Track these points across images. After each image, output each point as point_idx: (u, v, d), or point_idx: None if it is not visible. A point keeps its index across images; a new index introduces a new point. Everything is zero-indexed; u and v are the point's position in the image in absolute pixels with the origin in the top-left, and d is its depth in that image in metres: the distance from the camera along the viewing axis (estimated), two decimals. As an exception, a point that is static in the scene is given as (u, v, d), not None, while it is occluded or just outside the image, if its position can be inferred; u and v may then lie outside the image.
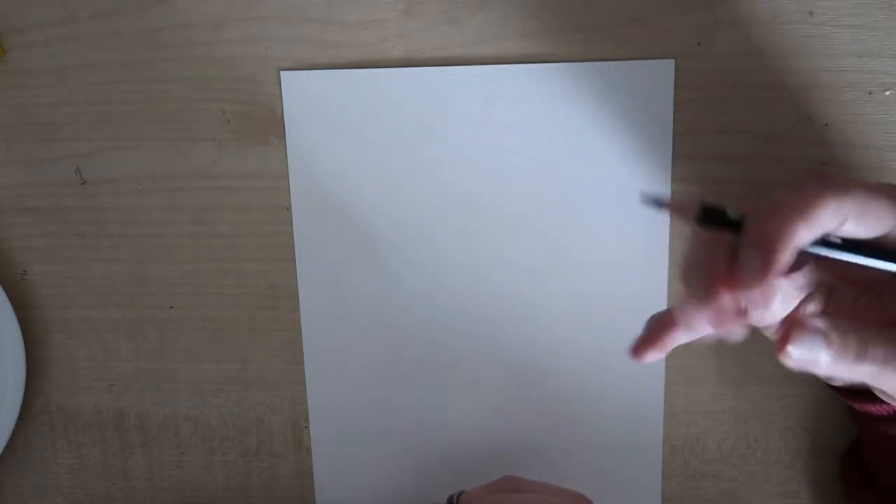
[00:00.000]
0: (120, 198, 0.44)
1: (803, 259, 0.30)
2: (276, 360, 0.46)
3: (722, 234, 0.30)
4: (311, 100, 0.42)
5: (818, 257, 0.31)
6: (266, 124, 0.42)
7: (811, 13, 0.39)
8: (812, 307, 0.33)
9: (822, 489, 0.44)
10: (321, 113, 0.42)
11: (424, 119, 0.41)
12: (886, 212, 0.28)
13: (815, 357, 0.28)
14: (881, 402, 0.35)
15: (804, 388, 0.43)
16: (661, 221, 0.41)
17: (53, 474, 0.49)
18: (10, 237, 0.45)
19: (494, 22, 0.40)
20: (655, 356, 0.32)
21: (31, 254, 0.46)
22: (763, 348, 0.43)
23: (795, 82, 0.40)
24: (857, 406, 0.37)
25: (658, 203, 0.31)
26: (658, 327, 0.32)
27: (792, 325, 0.28)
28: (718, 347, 0.43)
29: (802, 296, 0.32)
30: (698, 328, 0.31)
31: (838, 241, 0.29)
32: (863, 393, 0.36)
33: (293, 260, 0.44)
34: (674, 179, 0.41)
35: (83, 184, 0.44)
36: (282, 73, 0.42)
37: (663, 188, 0.41)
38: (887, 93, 0.39)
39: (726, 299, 0.30)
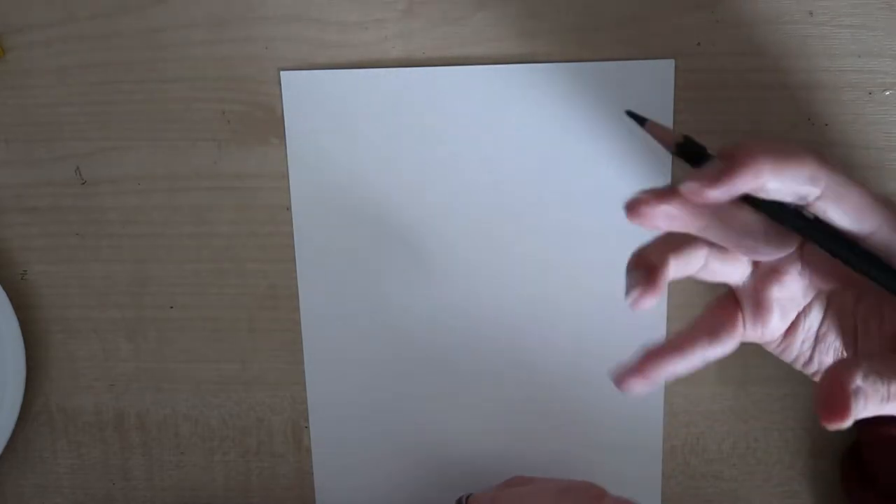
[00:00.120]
0: (120, 198, 0.44)
1: (780, 222, 0.28)
2: (276, 360, 0.46)
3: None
4: (311, 100, 0.42)
5: (807, 259, 0.30)
6: (266, 124, 0.42)
7: (811, 13, 0.39)
8: (814, 319, 0.32)
9: (822, 489, 0.44)
10: (321, 113, 0.42)
11: (424, 119, 0.41)
12: (867, 204, 0.27)
13: (858, 416, 0.26)
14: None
15: (804, 388, 0.43)
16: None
17: (53, 474, 0.49)
18: (10, 237, 0.45)
19: (494, 22, 0.40)
20: (640, 387, 0.31)
21: (31, 254, 0.46)
22: (763, 349, 0.43)
23: (795, 82, 0.40)
24: None
25: (641, 120, 0.30)
26: (647, 357, 0.31)
27: (828, 400, 0.26)
28: (718, 347, 0.43)
29: (800, 308, 0.32)
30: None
31: (811, 216, 0.28)
32: None
33: (293, 260, 0.44)
34: (674, 179, 0.41)
35: (83, 184, 0.44)
36: (282, 73, 0.42)
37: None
38: (887, 93, 0.39)
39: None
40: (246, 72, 0.42)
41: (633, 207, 0.28)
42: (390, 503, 0.46)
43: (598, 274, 0.42)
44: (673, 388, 0.44)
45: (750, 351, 0.43)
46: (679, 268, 0.30)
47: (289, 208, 0.43)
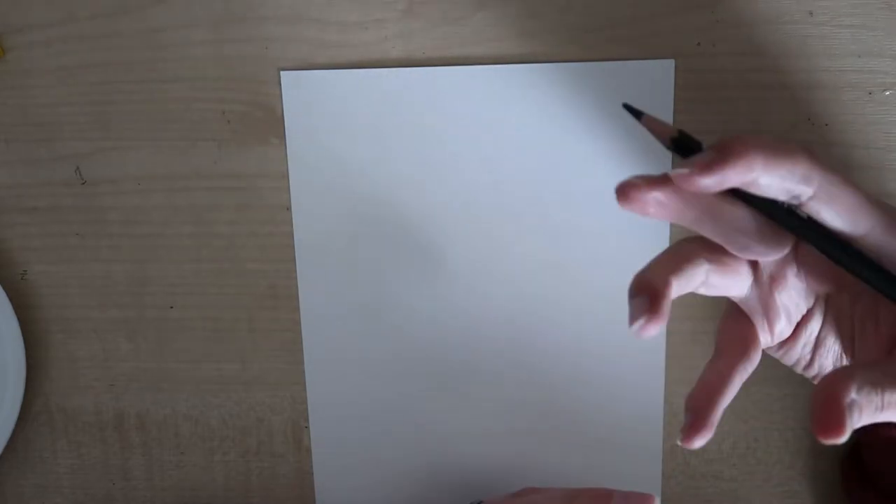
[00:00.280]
0: (120, 198, 0.44)
1: (773, 219, 0.28)
2: (276, 360, 0.46)
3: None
4: (311, 100, 0.42)
5: (805, 261, 0.30)
6: (266, 124, 0.42)
7: (811, 13, 0.39)
8: (815, 322, 0.32)
9: (822, 489, 0.44)
10: (321, 113, 0.42)
11: (424, 119, 0.41)
12: (861, 206, 0.27)
13: (855, 427, 0.26)
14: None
15: (804, 388, 0.43)
16: (662, 222, 0.41)
17: (53, 474, 0.49)
18: (10, 237, 0.45)
19: (494, 22, 0.40)
20: (705, 438, 0.31)
21: (31, 254, 0.46)
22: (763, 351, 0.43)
23: (795, 82, 0.40)
24: None
25: (637, 114, 0.30)
26: (699, 409, 0.31)
27: (823, 416, 0.26)
28: (718, 347, 0.43)
29: (803, 312, 0.32)
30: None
31: (804, 216, 0.28)
32: None
33: (293, 260, 0.44)
34: (674, 179, 0.41)
35: (83, 184, 0.44)
36: (282, 73, 0.42)
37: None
38: (887, 93, 0.39)
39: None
40: (246, 72, 0.42)
41: (624, 192, 0.28)
42: (390, 503, 0.46)
43: (599, 273, 0.42)
44: (673, 388, 0.44)
45: (750, 351, 0.43)
46: (680, 287, 0.29)
47: (289, 208, 0.43)
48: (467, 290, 0.43)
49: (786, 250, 0.30)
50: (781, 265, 0.31)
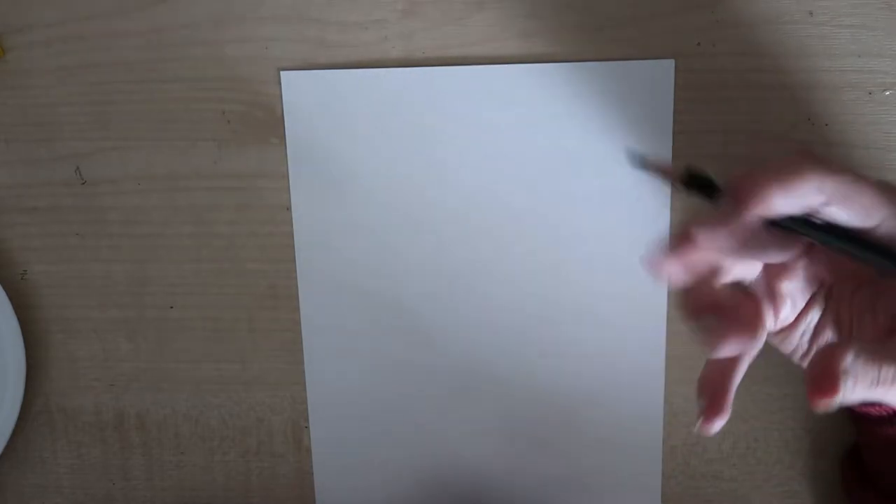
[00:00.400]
0: (120, 198, 0.44)
1: (791, 233, 0.29)
2: (276, 360, 0.46)
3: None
4: (311, 100, 0.42)
5: (812, 250, 0.31)
6: (266, 124, 0.42)
7: (811, 13, 0.39)
8: (816, 311, 0.33)
9: (822, 489, 0.44)
10: (321, 113, 0.42)
11: (424, 119, 0.41)
12: (873, 201, 0.28)
13: (847, 399, 0.27)
14: (879, 403, 0.35)
15: (804, 388, 0.43)
16: (662, 222, 0.41)
17: (53, 474, 0.49)
18: (10, 237, 0.45)
19: (494, 22, 0.40)
20: (721, 421, 0.33)
21: (31, 254, 0.46)
22: (762, 349, 0.43)
23: (795, 82, 0.40)
24: (857, 407, 0.37)
25: (642, 162, 0.31)
26: (717, 390, 0.33)
27: (817, 378, 0.27)
28: (718, 347, 0.43)
29: (807, 298, 0.33)
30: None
31: (820, 222, 0.29)
32: None
33: (293, 260, 0.44)
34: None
35: (83, 184, 0.44)
36: (282, 73, 0.42)
37: (663, 188, 0.41)
38: (887, 93, 0.39)
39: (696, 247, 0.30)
40: (246, 72, 0.42)
41: (655, 266, 0.31)
42: (390, 503, 0.46)
43: (599, 273, 0.42)
44: (673, 388, 0.44)
45: (750, 351, 0.43)
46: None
47: (289, 208, 0.43)
48: (467, 289, 0.43)
49: (797, 250, 0.30)
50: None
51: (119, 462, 0.48)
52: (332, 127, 0.42)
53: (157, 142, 0.43)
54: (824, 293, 0.33)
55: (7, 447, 0.46)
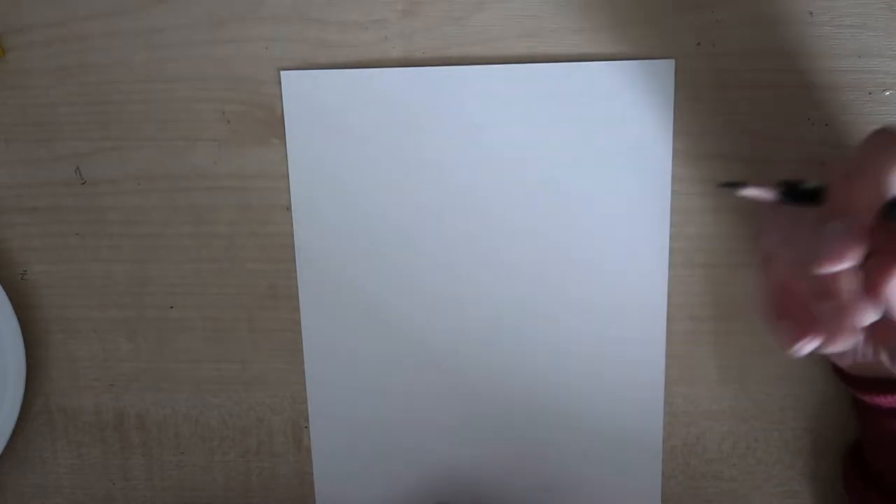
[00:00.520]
0: (120, 198, 0.44)
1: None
2: (276, 360, 0.46)
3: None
4: (311, 100, 0.42)
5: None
6: (266, 124, 0.42)
7: (811, 13, 0.39)
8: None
9: (822, 489, 0.44)
10: (321, 113, 0.42)
11: (424, 119, 0.41)
12: None
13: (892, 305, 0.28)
14: (892, 393, 0.35)
15: (804, 388, 0.43)
16: (662, 222, 0.41)
17: (53, 474, 0.49)
18: (10, 237, 0.45)
19: (494, 22, 0.40)
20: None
21: (31, 254, 0.46)
22: (763, 348, 0.43)
23: (795, 82, 0.40)
24: (867, 398, 0.37)
25: (736, 187, 0.32)
26: None
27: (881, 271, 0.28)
28: (719, 347, 0.43)
29: None
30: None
31: None
32: (874, 385, 0.36)
33: (293, 260, 0.44)
34: (674, 179, 0.41)
35: (83, 184, 0.44)
36: (282, 73, 0.42)
37: (663, 188, 0.41)
38: (887, 93, 0.39)
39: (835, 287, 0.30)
40: (246, 72, 0.42)
41: (797, 353, 0.33)
42: (390, 503, 0.46)
43: (599, 273, 0.42)
44: (673, 388, 0.44)
45: (750, 351, 0.43)
46: None
47: (289, 208, 0.43)
48: (467, 289, 0.43)
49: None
50: None
51: (119, 462, 0.48)
52: (332, 127, 0.42)
53: (157, 142, 0.43)
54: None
55: (7, 447, 0.46)
